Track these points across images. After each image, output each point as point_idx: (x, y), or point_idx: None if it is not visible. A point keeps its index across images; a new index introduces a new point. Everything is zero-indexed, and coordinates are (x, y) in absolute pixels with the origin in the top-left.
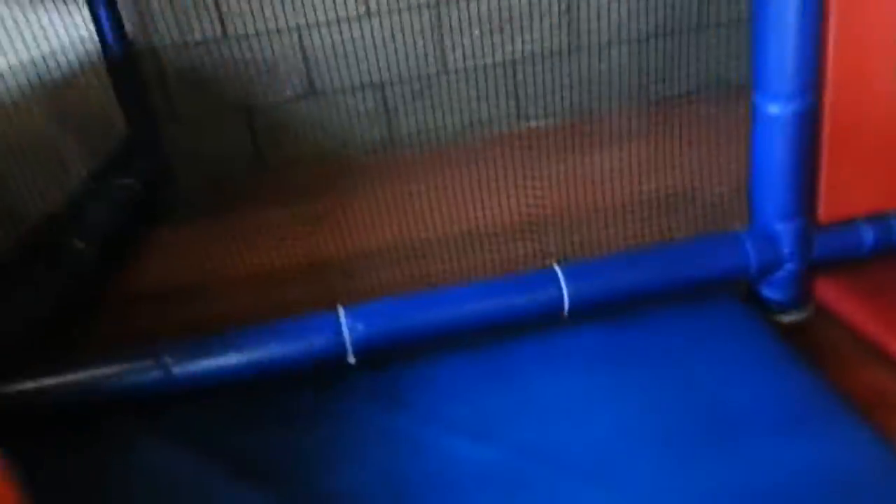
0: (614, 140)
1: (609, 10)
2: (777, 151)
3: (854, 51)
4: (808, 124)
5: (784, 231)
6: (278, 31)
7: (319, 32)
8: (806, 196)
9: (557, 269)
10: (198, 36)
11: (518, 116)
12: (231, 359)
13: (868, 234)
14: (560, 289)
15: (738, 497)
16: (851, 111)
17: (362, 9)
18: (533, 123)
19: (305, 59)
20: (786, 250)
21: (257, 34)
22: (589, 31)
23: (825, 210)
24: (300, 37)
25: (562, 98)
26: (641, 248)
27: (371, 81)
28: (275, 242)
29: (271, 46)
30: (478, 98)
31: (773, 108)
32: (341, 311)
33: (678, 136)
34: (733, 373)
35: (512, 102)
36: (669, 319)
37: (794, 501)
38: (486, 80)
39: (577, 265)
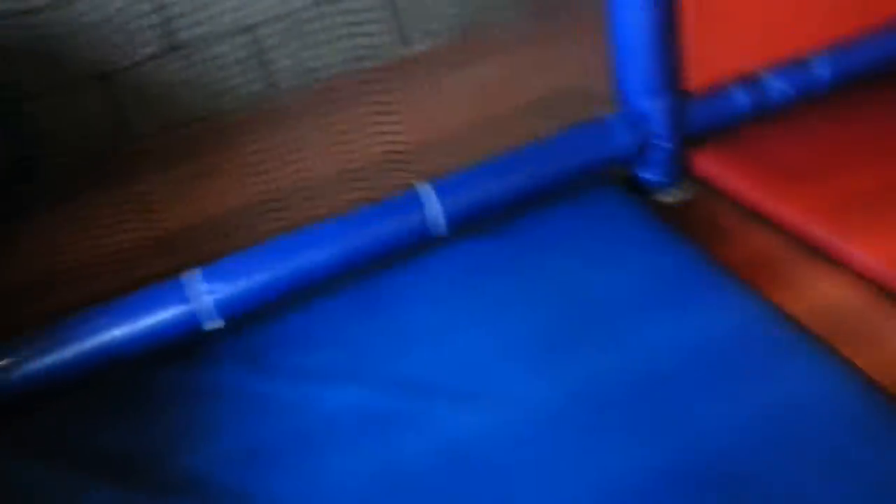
0: (498, 51)
1: None
2: (636, 19)
3: None
4: None
5: (653, 108)
6: None
7: None
8: (672, 66)
9: (423, 188)
10: (39, 1)
11: (402, 42)
12: (73, 350)
13: (742, 98)
14: (428, 208)
15: (624, 381)
16: None
17: None
18: (417, 47)
19: (159, 11)
20: (657, 128)
21: None
22: None
23: (694, 77)
24: None
25: (443, 15)
26: (508, 152)
27: (238, 27)
28: (144, 213)
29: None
30: (357, 28)
31: None
32: (196, 275)
33: (563, 37)
34: (612, 262)
35: (394, 28)
36: (547, 220)
37: (681, 372)
38: (363, 7)
39: (445, 180)
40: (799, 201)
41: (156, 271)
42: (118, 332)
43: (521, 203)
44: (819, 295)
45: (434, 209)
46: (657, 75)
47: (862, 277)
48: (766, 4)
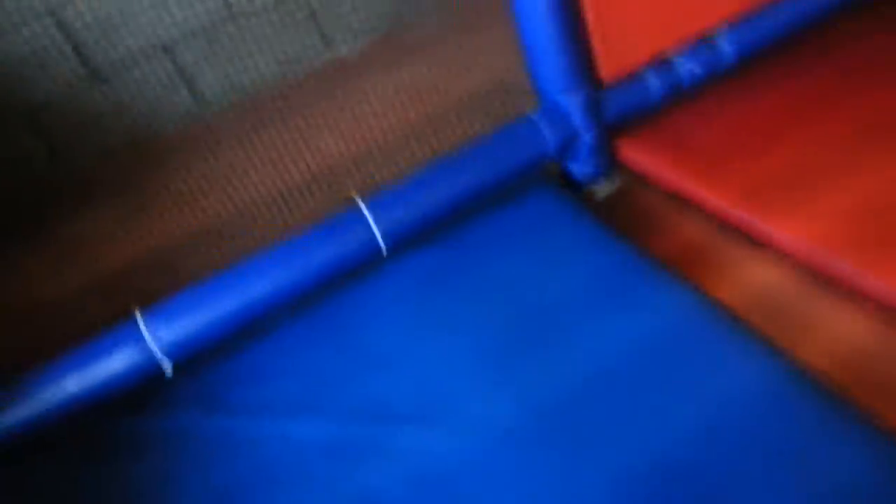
0: (421, 48)
1: None
2: (540, 19)
3: None
4: None
5: (571, 102)
6: (30, 16)
7: (75, 6)
8: (582, 60)
9: (362, 205)
10: None
11: (325, 45)
12: (28, 408)
13: (655, 82)
14: (370, 225)
15: (576, 389)
16: None
17: None
18: (341, 50)
19: (71, 38)
20: (577, 122)
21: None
22: None
23: (605, 68)
24: (55, 15)
25: (365, 15)
26: (439, 159)
27: (155, 46)
28: (84, 254)
29: (29, 34)
30: (280, 36)
31: None
32: (142, 320)
33: (484, 29)
34: (553, 265)
35: (315, 32)
36: (486, 224)
37: (630, 374)
38: (282, 14)
39: (382, 196)
40: (720, 185)
41: (101, 316)
42: (72, 385)
43: (459, 210)
44: (750, 281)
45: (375, 226)
46: (569, 71)
47: (789, 260)
48: None
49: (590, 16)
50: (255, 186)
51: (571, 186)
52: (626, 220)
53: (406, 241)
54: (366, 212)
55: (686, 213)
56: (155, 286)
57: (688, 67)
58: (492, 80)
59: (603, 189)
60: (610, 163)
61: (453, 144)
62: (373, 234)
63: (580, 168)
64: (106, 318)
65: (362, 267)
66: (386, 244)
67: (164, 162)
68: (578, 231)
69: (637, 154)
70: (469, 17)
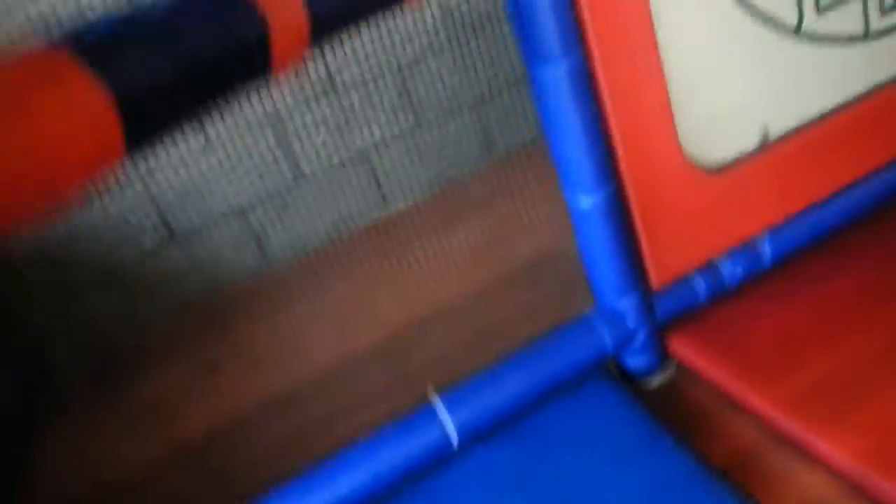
0: (474, 207)
1: (443, 82)
2: (598, 238)
3: (637, 136)
4: (617, 208)
5: (626, 305)
6: (121, 184)
7: (165, 176)
8: (636, 269)
9: (438, 404)
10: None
11: (383, 202)
12: None
13: (700, 284)
14: (445, 425)
15: None
16: (650, 187)
17: (201, 140)
18: (401, 205)
19: (156, 204)
20: (631, 323)
21: (100, 192)
22: (427, 106)
23: (655, 278)
24: (145, 184)
25: (419, 175)
26: (505, 356)
27: (231, 210)
28: (160, 417)
29: (120, 198)
30: (342, 195)
31: (584, 201)
32: None
33: (534, 189)
34: (611, 465)
35: (374, 191)
36: (547, 418)
37: None
38: (345, 176)
39: (454, 394)
40: (765, 391)
41: (185, 491)
42: None
43: (521, 411)
44: (799, 496)
45: (451, 425)
46: (624, 278)
47: (835, 474)
48: (707, 204)
49: (640, 231)
50: (320, 351)
51: (626, 377)
52: (679, 415)
53: (475, 436)
54: (442, 413)
55: (733, 414)
56: (232, 458)
57: (730, 269)
58: (539, 247)
59: (657, 381)
60: (662, 357)
61: (504, 315)
62: (447, 434)
63: (634, 361)
64: (189, 491)
65: (435, 462)
66: (458, 442)
67: (233, 321)
68: (635, 427)
69: (686, 350)
70: (519, 182)
